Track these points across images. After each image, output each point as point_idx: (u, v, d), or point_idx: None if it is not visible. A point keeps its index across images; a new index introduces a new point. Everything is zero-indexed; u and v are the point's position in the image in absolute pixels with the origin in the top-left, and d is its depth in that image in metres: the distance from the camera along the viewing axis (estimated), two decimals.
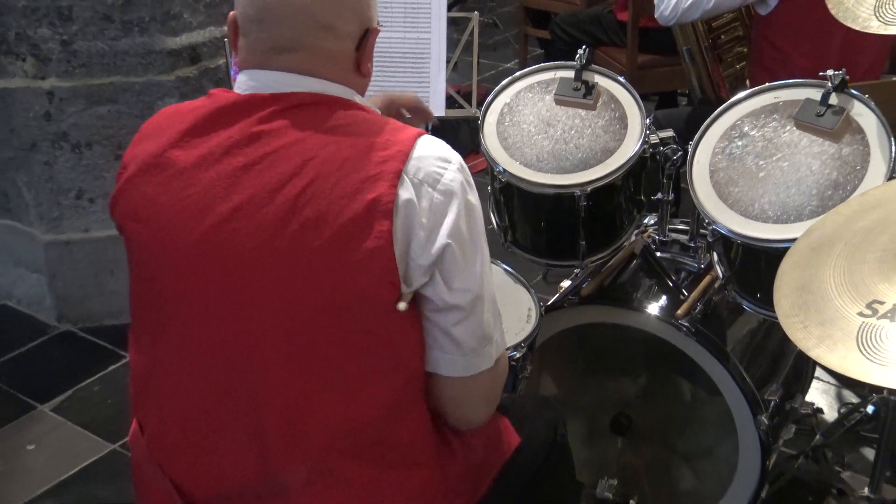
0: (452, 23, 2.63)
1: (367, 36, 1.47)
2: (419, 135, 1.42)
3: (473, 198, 1.44)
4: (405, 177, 1.36)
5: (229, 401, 1.42)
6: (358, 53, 1.47)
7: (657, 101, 4.37)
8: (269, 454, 1.43)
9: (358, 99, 1.49)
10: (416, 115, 1.89)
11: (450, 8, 2.60)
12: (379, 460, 1.45)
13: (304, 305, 1.37)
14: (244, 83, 1.45)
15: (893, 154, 1.95)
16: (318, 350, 1.39)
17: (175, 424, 1.47)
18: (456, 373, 1.49)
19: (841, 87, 2.04)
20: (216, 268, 1.38)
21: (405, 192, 1.35)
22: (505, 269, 2.28)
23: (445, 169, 1.40)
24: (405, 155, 1.37)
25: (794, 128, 2.07)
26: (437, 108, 2.28)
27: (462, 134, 4.28)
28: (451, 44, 2.60)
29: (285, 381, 1.40)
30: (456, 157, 1.43)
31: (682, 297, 2.18)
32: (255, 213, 1.36)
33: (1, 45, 3.04)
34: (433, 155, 1.40)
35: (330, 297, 1.36)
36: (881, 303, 1.43)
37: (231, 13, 1.47)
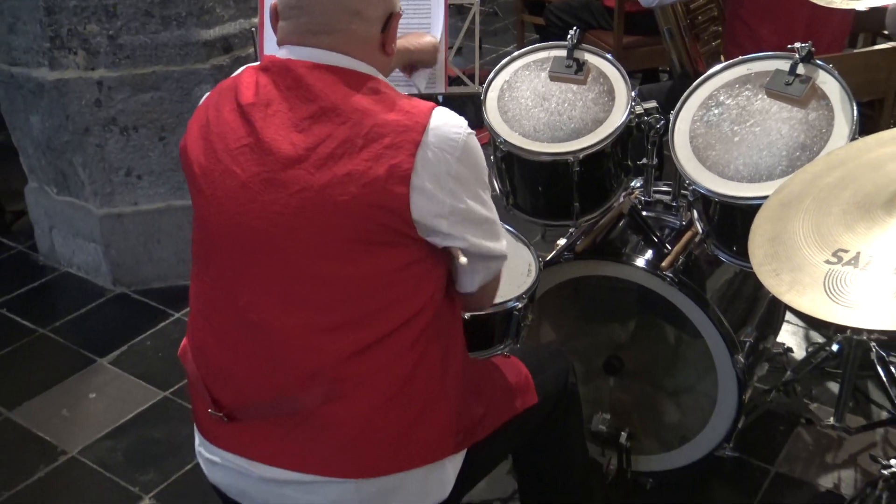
0: (457, 11, 2.60)
1: (391, 19, 1.50)
2: (433, 108, 1.43)
3: (481, 157, 1.48)
4: (423, 146, 1.38)
5: (253, 321, 1.45)
6: (383, 35, 1.50)
7: (641, 77, 4.35)
8: (283, 374, 1.45)
9: (380, 77, 1.49)
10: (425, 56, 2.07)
11: None
12: (385, 381, 1.46)
13: (328, 245, 1.40)
14: (284, 56, 1.47)
15: (855, 118, 1.93)
16: (332, 273, 1.41)
17: (212, 341, 1.52)
18: (464, 289, 1.61)
19: (807, 59, 2.02)
20: (254, 205, 1.41)
21: (422, 159, 1.38)
22: (507, 230, 2.27)
23: (458, 134, 1.42)
24: (423, 126, 1.40)
25: (766, 96, 2.05)
26: (439, 85, 2.27)
27: (467, 110, 4.23)
28: (456, 30, 2.58)
29: (302, 299, 1.42)
30: (464, 123, 1.45)
31: (665, 251, 2.18)
32: (295, 167, 1.39)
33: (55, 41, 3.02)
34: (447, 124, 1.43)
35: (351, 242, 1.39)
36: (845, 251, 1.43)
37: (273, 2, 1.49)
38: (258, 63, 1.50)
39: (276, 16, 1.50)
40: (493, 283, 1.65)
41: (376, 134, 1.38)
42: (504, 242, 1.58)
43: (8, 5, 3.08)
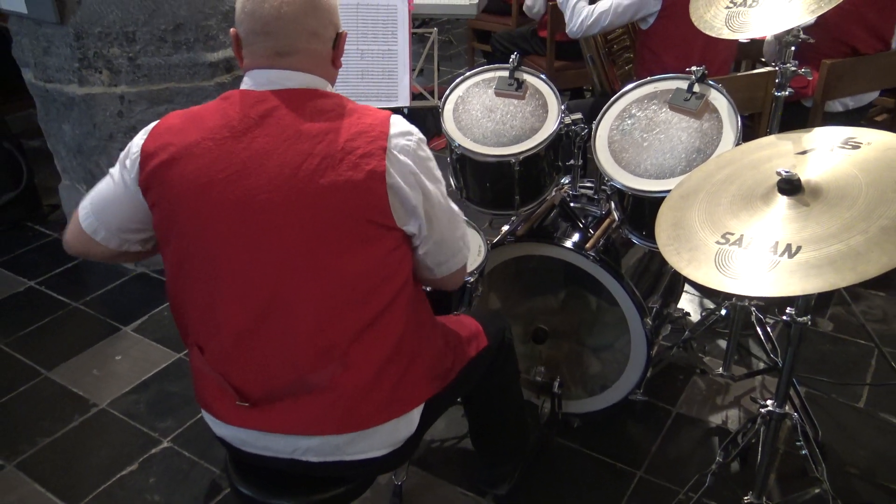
0: (419, 39, 2.58)
1: (339, 38, 1.46)
2: (389, 117, 1.41)
3: (430, 156, 1.46)
4: (388, 150, 1.36)
5: (268, 316, 1.38)
6: (334, 52, 1.46)
7: (570, 94, 4.35)
8: (302, 358, 1.40)
9: (329, 88, 1.46)
10: None
11: (416, 28, 2.54)
12: (380, 348, 1.43)
13: (328, 245, 1.35)
14: (248, 83, 1.42)
15: (739, 127, 1.95)
16: (333, 265, 1.36)
17: (232, 340, 1.41)
18: (435, 275, 1.57)
19: (702, 79, 2.04)
20: (251, 220, 1.34)
21: (391, 160, 1.36)
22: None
23: (411, 140, 1.41)
24: (386, 135, 1.37)
25: (669, 109, 2.06)
26: (404, 100, 2.25)
27: (429, 121, 4.23)
28: (418, 55, 2.56)
29: (310, 292, 1.37)
30: (414, 130, 1.44)
31: (589, 234, 2.18)
32: (284, 185, 1.33)
33: (83, 62, 2.94)
34: (402, 131, 1.41)
35: (346, 240, 1.36)
36: (731, 234, 1.43)
37: (232, 30, 1.43)
38: (231, 93, 1.42)
39: (238, 43, 1.43)
40: (462, 271, 1.61)
41: (350, 147, 1.35)
42: (463, 227, 1.56)
43: (43, 32, 2.99)
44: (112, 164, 1.51)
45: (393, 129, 1.39)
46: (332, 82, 1.49)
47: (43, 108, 3.25)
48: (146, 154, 1.38)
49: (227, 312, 1.40)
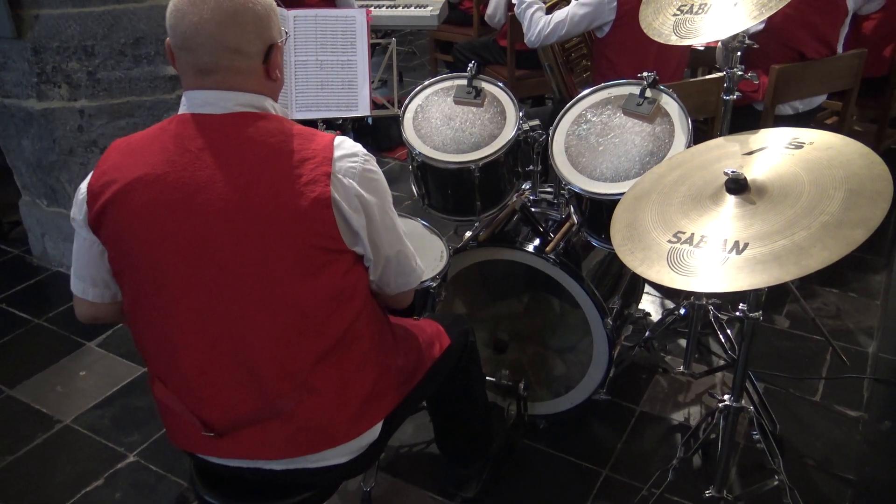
0: (382, 51, 2.60)
1: (271, 51, 1.37)
2: (332, 140, 1.37)
3: (378, 176, 1.42)
4: (333, 174, 1.33)
5: (225, 349, 1.36)
6: (266, 65, 1.37)
7: (531, 102, 4.38)
8: (264, 386, 1.38)
9: (269, 104, 1.39)
10: None
11: (377, 38, 2.56)
12: (345, 368, 1.42)
13: (281, 273, 1.33)
14: (184, 105, 1.38)
15: (690, 130, 1.99)
16: (288, 294, 1.34)
17: (192, 373, 1.39)
18: (391, 292, 1.55)
19: (654, 85, 2.08)
20: (201, 253, 1.32)
21: (335, 185, 1.33)
22: (423, 224, 2.28)
23: (356, 162, 1.38)
24: (329, 160, 1.34)
25: (622, 114, 2.09)
26: (364, 110, 2.25)
27: (392, 130, 4.25)
28: (379, 65, 2.58)
29: (267, 324, 1.35)
30: (360, 152, 1.40)
31: (549, 238, 2.20)
32: (230, 216, 1.30)
33: (42, 76, 2.91)
34: (346, 154, 1.37)
35: (298, 267, 1.33)
36: (683, 233, 1.45)
37: (167, 40, 1.36)
38: (169, 123, 1.37)
39: (171, 55, 1.37)
40: (409, 293, 1.61)
41: (295, 175, 1.30)
42: (405, 244, 1.52)
43: (0, 47, 2.96)
44: (72, 180, 1.49)
45: (337, 153, 1.35)
46: (273, 94, 1.42)
47: (1, 124, 3.20)
48: (92, 193, 1.36)
49: (184, 346, 1.38)
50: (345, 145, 1.38)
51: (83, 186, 1.40)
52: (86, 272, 1.47)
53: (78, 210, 1.40)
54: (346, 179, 1.35)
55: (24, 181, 3.33)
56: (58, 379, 2.70)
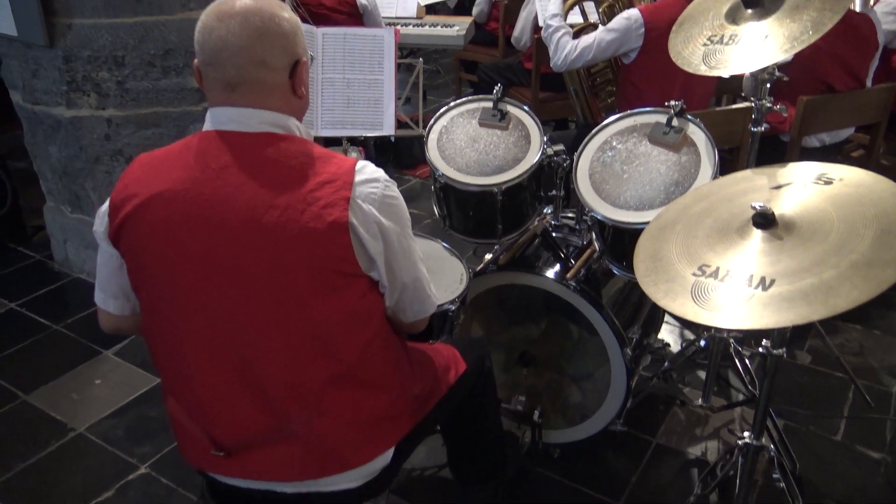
0: (407, 69, 2.61)
1: (296, 67, 1.38)
2: (354, 165, 1.37)
3: (398, 202, 1.41)
4: (352, 199, 1.32)
5: (236, 367, 1.36)
6: (291, 81, 1.38)
7: (554, 125, 4.39)
8: (274, 407, 1.37)
9: (294, 124, 1.39)
10: None
11: (404, 57, 2.57)
12: (358, 391, 1.41)
13: (297, 295, 1.32)
14: (209, 122, 1.38)
15: (716, 161, 1.97)
16: (303, 317, 1.33)
17: (203, 390, 1.39)
18: (407, 319, 1.53)
19: (680, 114, 2.06)
20: (217, 273, 1.32)
21: (354, 210, 1.32)
22: (444, 246, 2.27)
23: (376, 187, 1.37)
24: (349, 185, 1.33)
25: (648, 142, 2.08)
26: (389, 129, 2.25)
27: (415, 149, 4.26)
28: (404, 83, 2.59)
29: (279, 344, 1.34)
30: (381, 178, 1.39)
31: (570, 264, 2.19)
32: (247, 237, 1.30)
33: (72, 85, 2.95)
34: (367, 179, 1.36)
35: (316, 289, 1.32)
36: (708, 266, 1.43)
37: (195, 61, 1.37)
38: (192, 140, 1.38)
39: (199, 76, 1.37)
40: (424, 320, 1.59)
41: (313, 198, 1.30)
42: (422, 271, 1.50)
43: (32, 55, 3.00)
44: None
45: (358, 178, 1.35)
46: (298, 114, 1.42)
47: (30, 130, 3.25)
48: (113, 207, 1.37)
49: (196, 362, 1.37)
50: (366, 170, 1.37)
51: (106, 202, 1.41)
52: (107, 284, 1.48)
53: (100, 223, 1.41)
54: (366, 205, 1.34)
55: (49, 187, 3.37)
56: (73, 386, 2.71)
